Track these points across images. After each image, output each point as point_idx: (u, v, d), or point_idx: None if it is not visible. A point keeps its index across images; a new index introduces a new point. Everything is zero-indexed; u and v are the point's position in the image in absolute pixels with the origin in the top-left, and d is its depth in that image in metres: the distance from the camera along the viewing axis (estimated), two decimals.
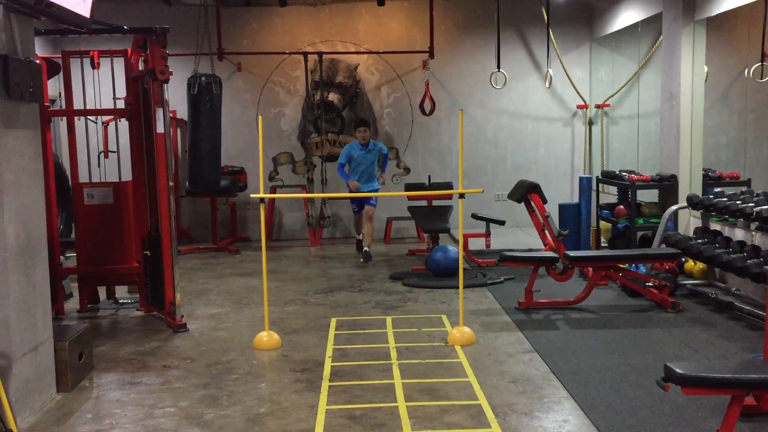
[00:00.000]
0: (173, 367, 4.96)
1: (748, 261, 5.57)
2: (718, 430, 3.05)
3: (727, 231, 6.54)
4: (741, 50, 8.64)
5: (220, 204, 10.18)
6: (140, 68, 6.21)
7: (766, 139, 8.43)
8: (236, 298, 7.00)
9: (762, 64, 8.11)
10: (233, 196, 10.05)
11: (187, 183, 9.53)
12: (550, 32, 10.35)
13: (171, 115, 7.90)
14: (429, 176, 10.06)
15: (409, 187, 9.62)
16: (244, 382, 4.65)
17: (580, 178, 8.51)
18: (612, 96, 10.31)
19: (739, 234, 6.37)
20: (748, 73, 8.25)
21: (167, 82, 5.80)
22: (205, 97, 8.83)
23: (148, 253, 6.21)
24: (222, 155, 9.32)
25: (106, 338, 5.71)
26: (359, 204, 8.79)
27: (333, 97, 10.57)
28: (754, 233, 6.18)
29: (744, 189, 7.11)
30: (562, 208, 8.55)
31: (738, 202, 6.09)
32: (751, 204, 5.89)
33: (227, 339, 5.63)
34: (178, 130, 10.45)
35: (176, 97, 9.40)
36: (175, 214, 6.01)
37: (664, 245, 6.85)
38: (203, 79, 8.87)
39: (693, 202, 6.74)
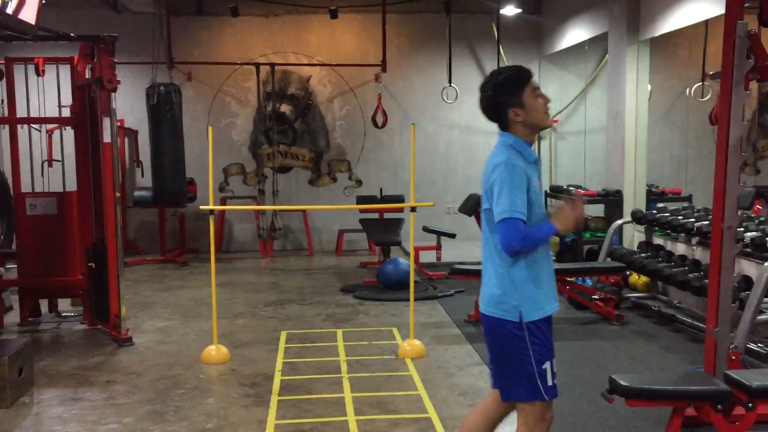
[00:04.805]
0: (117, 382, 4.84)
1: (689, 275, 5.73)
2: None
3: (669, 245, 6.72)
4: (683, 70, 8.94)
5: (168, 215, 10.01)
6: (87, 76, 6.08)
7: (706, 157, 8.71)
8: (184, 311, 6.88)
9: (702, 84, 8.40)
10: (182, 207, 9.90)
11: (134, 193, 9.38)
12: (501, 49, 10.52)
13: (118, 124, 7.76)
14: (381, 189, 10.09)
15: (360, 199, 9.63)
16: (191, 397, 4.56)
17: None
18: (560, 112, 10.53)
19: (680, 248, 6.55)
20: (690, 92, 8.54)
21: (115, 91, 5.70)
22: (165, 106, 8.75)
23: (93, 265, 6.06)
24: None
25: (48, 353, 5.54)
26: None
27: (285, 108, 10.53)
28: (695, 248, 6.37)
29: (685, 204, 7.34)
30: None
31: (680, 217, 6.27)
32: (692, 219, 6.08)
33: (174, 353, 5.52)
34: (126, 140, 10.25)
35: (124, 105, 9.26)
36: (121, 225, 5.89)
37: (609, 259, 7.00)
38: (162, 88, 8.79)
39: (637, 217, 6.91)
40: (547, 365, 2.76)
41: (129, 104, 9.62)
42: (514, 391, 2.80)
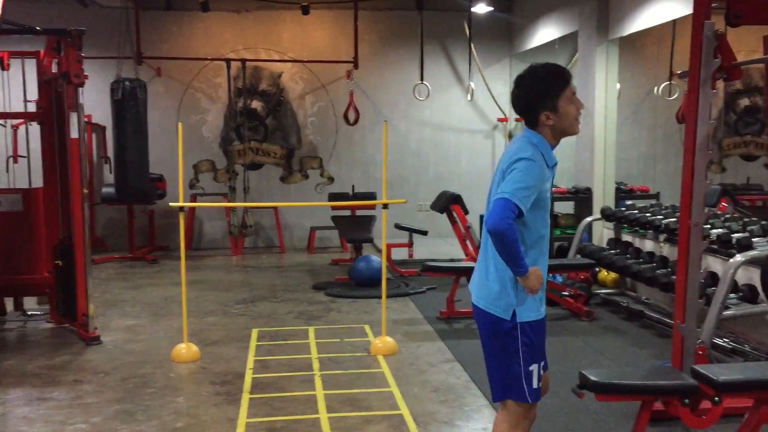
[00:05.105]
0: (85, 382, 4.77)
1: (657, 271, 5.81)
2: None
3: (637, 242, 6.81)
4: (651, 69, 9.07)
5: (137, 212, 9.88)
6: (54, 71, 5.98)
7: (673, 155, 8.86)
8: (153, 309, 6.80)
9: (670, 83, 8.53)
10: (151, 203, 9.78)
11: (102, 190, 9.25)
12: (472, 46, 10.56)
13: (86, 119, 7.65)
14: (353, 186, 10.08)
15: (332, 196, 9.61)
16: (160, 395, 4.51)
17: None
18: None
19: (648, 245, 6.64)
20: (658, 91, 8.66)
21: (82, 86, 5.61)
22: (129, 102, 8.66)
23: (60, 262, 5.96)
24: None
25: (14, 352, 5.43)
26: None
27: (256, 104, 10.46)
28: (662, 244, 6.47)
29: (653, 202, 7.44)
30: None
31: (648, 214, 6.35)
32: (659, 216, 6.17)
33: (143, 351, 5.46)
34: (94, 136, 10.10)
35: (91, 101, 9.13)
36: (89, 222, 5.80)
37: (579, 255, 7.07)
38: (127, 83, 8.69)
39: (606, 215, 6.99)
40: (534, 367, 2.75)
41: (97, 99, 9.47)
42: (501, 390, 2.82)
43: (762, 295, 4.81)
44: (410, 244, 9.00)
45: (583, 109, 2.84)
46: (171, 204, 5.39)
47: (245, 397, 4.45)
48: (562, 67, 2.79)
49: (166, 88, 10.32)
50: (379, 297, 5.68)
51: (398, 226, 8.90)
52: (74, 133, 5.60)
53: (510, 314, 2.72)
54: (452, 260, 8.10)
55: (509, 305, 2.74)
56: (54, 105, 6.00)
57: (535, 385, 2.76)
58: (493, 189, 2.77)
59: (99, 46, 9.42)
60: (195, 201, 10.03)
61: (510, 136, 11.00)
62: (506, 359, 2.76)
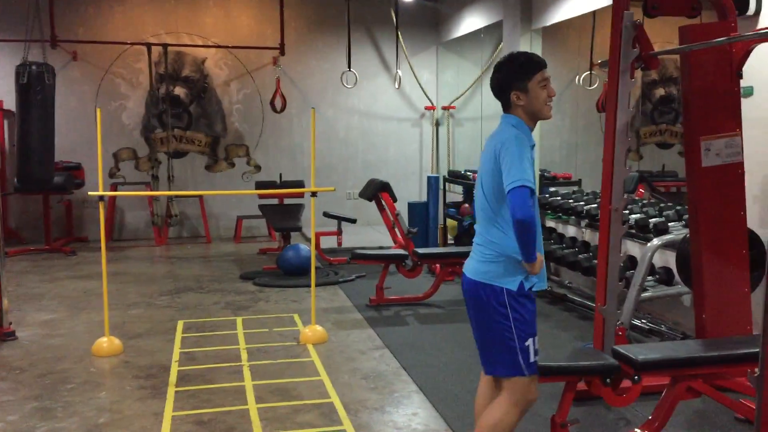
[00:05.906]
0: (0, 379, 4.56)
1: (579, 256, 5.99)
2: (554, 415, 3.24)
3: (561, 228, 6.99)
4: (572, 59, 9.28)
5: (53, 202, 9.49)
6: None
7: (594, 143, 9.10)
8: (72, 303, 6.55)
9: (591, 73, 8.76)
10: (69, 193, 9.41)
11: (15, 179, 8.84)
12: (399, 34, 10.58)
13: None
14: (280, 174, 9.96)
15: (259, 185, 9.47)
16: (81, 391, 4.36)
17: (428, 178, 8.76)
18: (457, 98, 10.71)
19: (571, 230, 6.83)
20: (579, 80, 8.89)
21: None
22: (36, 87, 8.28)
23: None
24: (56, 150, 8.76)
25: None
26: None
27: (179, 91, 10.19)
28: (584, 230, 6.66)
29: (575, 189, 7.65)
30: (411, 206, 8.77)
31: (570, 201, 6.53)
32: (581, 203, 6.35)
33: (62, 346, 5.25)
34: (5, 122, 9.62)
35: (2, 86, 8.70)
36: (0, 213, 5.53)
37: None
38: (34, 68, 8.31)
39: None
40: (529, 342, 2.88)
41: (8, 84, 9.02)
42: (498, 366, 2.95)
43: (677, 277, 5.02)
44: (339, 233, 8.96)
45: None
46: (90, 193, 5.21)
47: (171, 391, 4.34)
48: (538, 56, 3.01)
49: (83, 73, 9.93)
50: (308, 286, 5.64)
51: (327, 215, 8.85)
52: None
53: (504, 292, 2.84)
54: (381, 248, 8.13)
55: (510, 281, 2.85)
56: None
57: (532, 358, 2.89)
58: (485, 177, 2.94)
59: (9, 29, 8.97)
60: (115, 190, 9.70)
61: (437, 124, 11.09)
62: (500, 336, 2.87)
